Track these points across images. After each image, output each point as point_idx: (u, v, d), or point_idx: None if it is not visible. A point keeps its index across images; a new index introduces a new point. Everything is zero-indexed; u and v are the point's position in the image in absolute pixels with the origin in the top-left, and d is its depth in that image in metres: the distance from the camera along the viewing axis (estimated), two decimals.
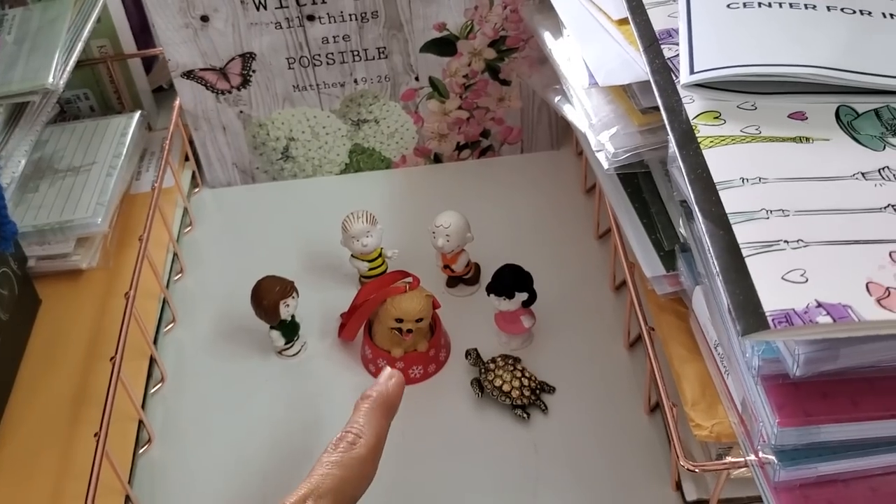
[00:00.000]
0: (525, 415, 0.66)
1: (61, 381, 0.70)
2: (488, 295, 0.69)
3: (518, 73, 0.85)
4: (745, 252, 0.42)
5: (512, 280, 0.69)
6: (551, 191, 0.87)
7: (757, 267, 0.41)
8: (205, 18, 0.78)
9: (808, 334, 0.39)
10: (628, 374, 0.70)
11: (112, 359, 0.62)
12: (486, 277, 0.75)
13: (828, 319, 0.38)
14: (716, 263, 0.42)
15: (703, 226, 0.44)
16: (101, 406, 0.60)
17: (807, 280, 0.40)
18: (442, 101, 0.86)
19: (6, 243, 0.67)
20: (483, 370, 0.68)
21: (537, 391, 0.67)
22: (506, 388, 0.67)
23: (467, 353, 0.70)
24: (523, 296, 0.69)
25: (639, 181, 0.68)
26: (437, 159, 0.91)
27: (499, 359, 0.69)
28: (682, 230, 0.62)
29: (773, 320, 0.38)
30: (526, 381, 0.67)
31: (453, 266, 0.76)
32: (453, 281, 0.77)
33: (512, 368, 0.68)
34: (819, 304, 0.39)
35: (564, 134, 0.90)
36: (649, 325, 0.61)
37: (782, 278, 0.40)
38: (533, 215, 0.85)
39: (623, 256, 0.66)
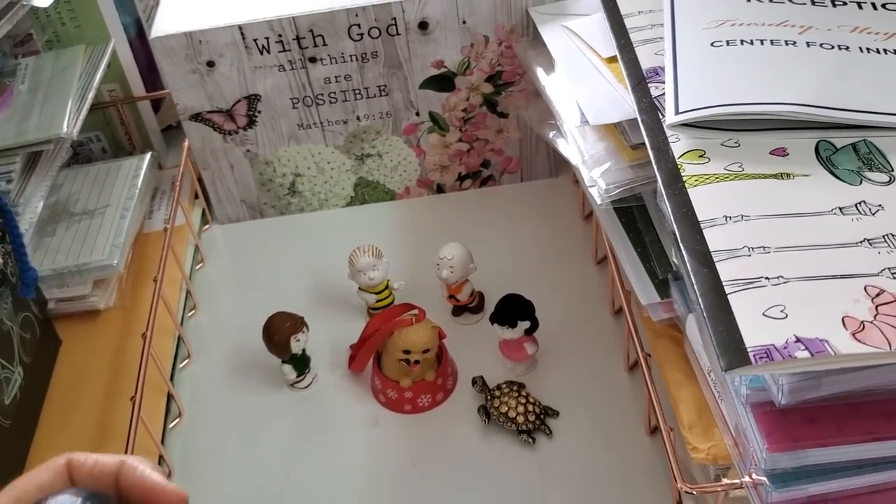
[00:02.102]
0: (531, 439, 0.69)
1: (83, 419, 0.73)
2: (492, 324, 0.72)
3: (515, 107, 0.87)
4: (727, 289, 0.44)
5: (514, 309, 0.71)
6: (551, 218, 0.90)
7: (739, 304, 0.43)
8: (211, 64, 0.81)
9: (788, 368, 0.41)
10: (629, 397, 0.72)
11: (132, 398, 0.65)
12: (490, 305, 0.77)
13: (806, 354, 0.40)
14: (700, 301, 0.44)
15: (688, 264, 0.47)
16: (122, 442, 0.63)
17: (786, 316, 0.42)
18: (442, 134, 0.89)
19: (28, 289, 0.69)
20: (489, 397, 0.71)
21: (542, 416, 0.70)
22: (511, 413, 0.69)
23: (474, 381, 0.73)
24: (526, 324, 0.71)
25: (633, 211, 0.70)
26: (440, 189, 0.94)
27: (504, 385, 0.71)
28: (674, 259, 0.64)
29: (754, 356, 0.41)
30: (531, 407, 0.69)
31: (458, 296, 0.78)
32: (458, 310, 0.80)
33: (517, 395, 0.70)
34: (798, 339, 0.41)
35: (562, 162, 0.93)
36: (646, 351, 0.64)
37: (763, 314, 0.43)
38: (533, 242, 0.87)
39: (619, 284, 0.68)
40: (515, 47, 0.82)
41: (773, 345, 0.41)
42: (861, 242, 0.46)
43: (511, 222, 0.90)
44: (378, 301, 0.79)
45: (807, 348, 0.41)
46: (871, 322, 0.41)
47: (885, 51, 0.59)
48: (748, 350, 0.41)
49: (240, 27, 0.79)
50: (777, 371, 0.42)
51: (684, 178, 0.52)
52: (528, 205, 0.92)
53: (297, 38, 0.80)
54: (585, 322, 0.78)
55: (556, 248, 0.86)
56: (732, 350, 0.41)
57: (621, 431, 0.69)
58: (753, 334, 0.42)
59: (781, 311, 0.42)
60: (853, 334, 0.41)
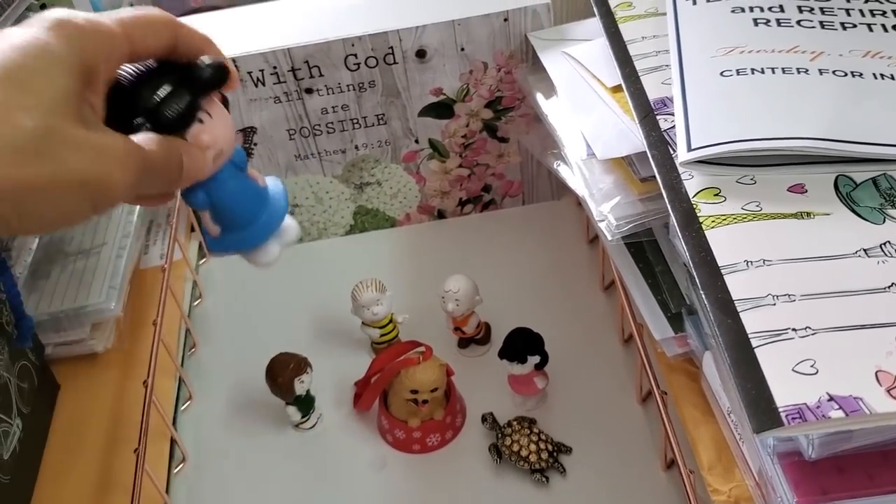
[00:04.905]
0: (544, 479, 0.67)
1: (85, 467, 0.71)
2: (501, 359, 0.70)
3: (515, 132, 0.86)
4: (754, 342, 0.43)
5: (523, 344, 0.70)
6: (555, 242, 0.88)
7: (767, 358, 0.42)
8: None
9: (822, 428, 0.40)
10: (643, 429, 0.70)
11: (136, 450, 0.63)
12: (497, 335, 0.76)
13: (840, 414, 0.39)
14: (726, 355, 0.43)
15: (710, 314, 0.45)
16: (126, 492, 0.62)
17: (817, 371, 0.41)
18: (442, 160, 0.87)
19: (25, 340, 0.68)
20: (500, 435, 0.69)
21: (555, 453, 0.68)
22: (523, 452, 0.67)
23: (483, 418, 0.71)
24: (536, 359, 0.70)
25: (642, 241, 0.69)
26: (441, 215, 0.92)
27: (514, 422, 0.70)
28: (687, 292, 0.63)
29: (786, 417, 0.39)
30: (543, 445, 0.68)
31: (464, 328, 0.77)
32: (464, 342, 0.78)
33: (528, 432, 0.68)
34: (831, 398, 0.39)
35: (564, 185, 0.91)
36: (661, 388, 0.62)
37: (793, 370, 0.41)
38: (538, 268, 0.85)
39: (630, 316, 0.67)
40: (515, 73, 0.81)
41: (806, 404, 0.39)
42: (889, 287, 0.44)
43: (515, 247, 0.88)
44: (382, 336, 0.77)
45: (841, 407, 0.39)
46: None
47: None
48: (779, 410, 0.39)
49: (234, 60, 0.77)
50: (810, 431, 0.41)
51: (701, 220, 0.50)
52: (532, 229, 0.90)
53: (293, 70, 0.78)
54: (595, 351, 0.77)
55: (561, 273, 0.85)
56: (763, 410, 0.40)
57: (637, 467, 0.68)
58: (784, 393, 0.40)
59: (812, 367, 0.41)
60: (888, 391, 0.39)
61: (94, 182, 0.36)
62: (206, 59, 0.43)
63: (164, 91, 0.42)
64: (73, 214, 0.37)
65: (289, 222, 0.55)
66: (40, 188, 0.35)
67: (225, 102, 0.47)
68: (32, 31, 0.37)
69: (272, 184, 0.57)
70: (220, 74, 0.44)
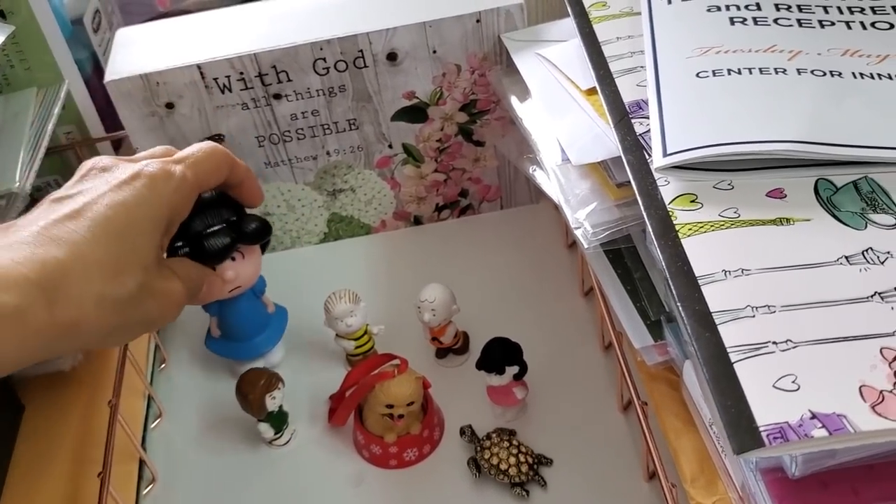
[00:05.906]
0: (524, 493, 0.65)
1: (50, 491, 0.69)
2: (479, 370, 0.68)
3: (491, 135, 0.84)
4: (733, 357, 0.41)
5: (502, 355, 0.68)
6: (533, 247, 0.86)
7: (746, 374, 0.40)
8: (170, 105, 0.77)
9: (804, 448, 0.38)
10: (624, 440, 0.69)
11: (100, 474, 0.61)
12: (476, 344, 0.74)
13: (823, 433, 0.37)
14: (705, 371, 0.41)
15: (688, 327, 0.43)
16: None
17: (798, 387, 0.39)
18: (417, 165, 0.85)
19: None
20: (479, 448, 0.67)
21: (535, 466, 0.66)
22: (503, 466, 0.66)
23: (462, 431, 0.69)
24: (514, 369, 0.68)
25: (620, 247, 0.67)
26: (418, 221, 0.90)
27: (494, 434, 0.68)
28: (666, 300, 0.61)
29: (768, 436, 0.37)
30: (523, 457, 0.66)
31: (441, 338, 0.75)
32: (442, 352, 0.76)
33: (508, 444, 0.67)
34: (813, 416, 0.38)
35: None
36: (642, 398, 0.60)
37: (773, 386, 0.39)
38: (517, 274, 0.84)
39: (610, 324, 0.65)
40: (489, 75, 0.79)
41: (788, 422, 0.38)
42: (872, 297, 0.43)
43: (493, 253, 0.86)
44: (357, 348, 0.75)
45: (824, 426, 0.37)
46: (891, 392, 0.38)
47: (878, 76, 0.56)
48: (761, 430, 0.38)
49: (199, 66, 0.75)
50: (792, 451, 0.39)
51: (677, 228, 0.48)
52: (510, 233, 0.88)
53: (260, 75, 0.76)
54: (575, 359, 0.75)
55: (540, 279, 0.83)
56: (744, 430, 0.38)
57: (618, 478, 0.66)
58: (765, 411, 0.38)
59: (793, 382, 0.39)
60: (872, 407, 0.38)
61: (158, 321, 0.48)
62: (253, 219, 0.56)
63: (212, 228, 0.52)
64: (133, 337, 0.49)
65: (277, 348, 0.70)
66: (125, 327, 0.45)
67: (265, 245, 0.59)
68: (137, 186, 0.46)
69: (278, 313, 0.72)
70: (262, 233, 0.56)
